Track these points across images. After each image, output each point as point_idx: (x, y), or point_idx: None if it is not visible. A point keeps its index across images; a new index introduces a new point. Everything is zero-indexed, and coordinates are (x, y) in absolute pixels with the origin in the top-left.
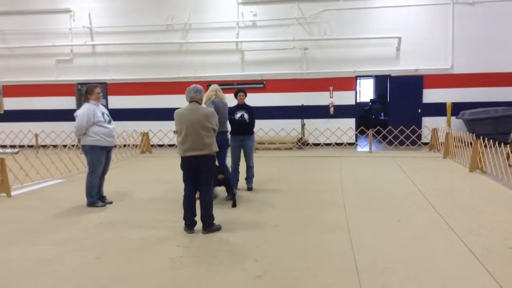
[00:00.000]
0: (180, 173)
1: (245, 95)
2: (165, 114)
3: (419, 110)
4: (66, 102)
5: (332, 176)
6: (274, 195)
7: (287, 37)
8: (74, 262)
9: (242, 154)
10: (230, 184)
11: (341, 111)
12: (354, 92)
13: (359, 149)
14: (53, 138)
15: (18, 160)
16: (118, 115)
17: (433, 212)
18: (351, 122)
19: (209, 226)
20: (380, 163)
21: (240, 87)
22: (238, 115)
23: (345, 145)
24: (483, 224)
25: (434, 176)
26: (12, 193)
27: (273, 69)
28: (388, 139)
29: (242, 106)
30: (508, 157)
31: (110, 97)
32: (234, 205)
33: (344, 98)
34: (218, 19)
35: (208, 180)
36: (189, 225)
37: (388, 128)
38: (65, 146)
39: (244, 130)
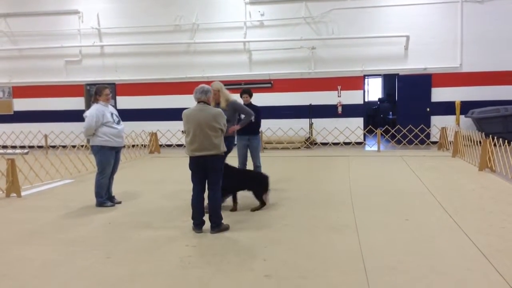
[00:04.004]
0: (188, 173)
1: (250, 96)
2: (173, 114)
3: (428, 109)
4: (75, 103)
5: (340, 176)
6: (282, 195)
7: (294, 36)
8: (84, 262)
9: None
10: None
11: (349, 110)
12: (362, 91)
13: (367, 148)
14: (63, 138)
15: (28, 161)
16: (126, 115)
17: (442, 212)
18: (359, 121)
19: (218, 226)
20: (389, 162)
21: (246, 88)
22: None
23: (353, 144)
24: (492, 223)
25: (443, 175)
26: (22, 194)
27: (280, 68)
28: (396, 138)
29: (248, 106)
30: None
31: (118, 98)
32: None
33: (352, 97)
34: (225, 19)
35: (216, 180)
36: (198, 225)
37: (396, 127)
38: (74, 146)
39: (250, 130)
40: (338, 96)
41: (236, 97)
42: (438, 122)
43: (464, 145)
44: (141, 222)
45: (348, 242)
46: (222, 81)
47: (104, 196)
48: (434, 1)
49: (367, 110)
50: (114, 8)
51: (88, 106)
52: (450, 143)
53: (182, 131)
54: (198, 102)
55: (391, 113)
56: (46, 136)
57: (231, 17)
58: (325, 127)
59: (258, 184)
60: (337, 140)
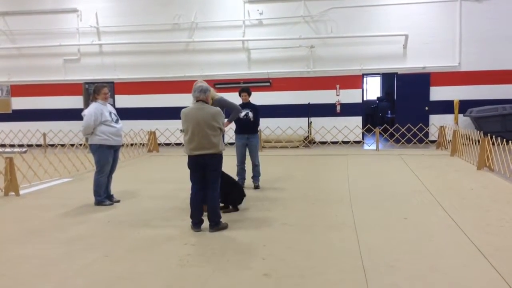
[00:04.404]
0: (187, 172)
1: (249, 95)
2: (172, 113)
3: (426, 108)
4: (73, 102)
5: (339, 174)
6: (281, 194)
7: (293, 35)
8: (82, 261)
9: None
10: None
11: (348, 109)
12: (360, 90)
13: (366, 147)
14: (61, 137)
15: (27, 160)
16: (125, 114)
17: (440, 210)
18: (358, 120)
19: (216, 224)
20: (387, 161)
21: (244, 87)
22: (243, 113)
23: (352, 143)
24: (491, 222)
25: (441, 174)
26: (21, 192)
27: (279, 67)
28: (395, 137)
29: (247, 105)
30: None
31: (117, 96)
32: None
33: (350, 96)
34: (224, 18)
35: (215, 179)
36: (196, 224)
37: (395, 126)
38: (72, 145)
39: (249, 128)
40: (337, 95)
41: (236, 96)
42: (436, 121)
43: (463, 144)
44: (139, 220)
45: (346, 240)
46: (221, 80)
47: (103, 195)
48: (432, 0)
49: (365, 109)
50: (113, 6)
51: (86, 104)
52: (449, 142)
53: (181, 130)
54: (197, 101)
55: (389, 112)
56: (44, 135)
57: (230, 16)
58: (323, 126)
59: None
60: (336, 139)
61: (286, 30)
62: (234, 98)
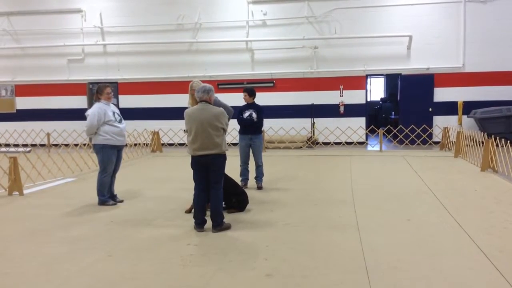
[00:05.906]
0: (190, 172)
1: (250, 95)
2: (176, 113)
3: (430, 109)
4: (77, 102)
5: (342, 175)
6: (284, 194)
7: (297, 36)
8: (85, 260)
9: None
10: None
11: (351, 110)
12: (364, 91)
13: (369, 148)
14: (65, 137)
15: (31, 159)
16: (128, 114)
17: (444, 211)
18: (361, 121)
19: (219, 224)
20: (391, 162)
21: (246, 87)
22: (246, 114)
23: (355, 144)
24: (494, 224)
25: (445, 175)
26: (25, 192)
27: (283, 68)
28: (398, 138)
29: (250, 105)
30: None
31: (121, 97)
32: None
33: (354, 97)
34: (228, 18)
35: (218, 179)
36: (199, 224)
37: (398, 127)
38: (76, 145)
39: (252, 129)
40: (340, 96)
41: (239, 97)
42: (440, 122)
43: (466, 145)
44: (142, 220)
45: (349, 241)
46: (224, 81)
47: (106, 195)
48: (437, 1)
49: (369, 110)
50: (117, 6)
51: (90, 104)
52: (452, 143)
53: (184, 130)
54: (200, 101)
55: (393, 113)
56: (48, 135)
57: (234, 16)
58: (327, 127)
59: (238, 199)
60: (339, 139)
61: (289, 31)
62: (238, 98)
